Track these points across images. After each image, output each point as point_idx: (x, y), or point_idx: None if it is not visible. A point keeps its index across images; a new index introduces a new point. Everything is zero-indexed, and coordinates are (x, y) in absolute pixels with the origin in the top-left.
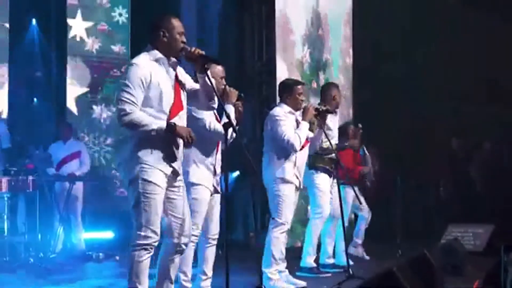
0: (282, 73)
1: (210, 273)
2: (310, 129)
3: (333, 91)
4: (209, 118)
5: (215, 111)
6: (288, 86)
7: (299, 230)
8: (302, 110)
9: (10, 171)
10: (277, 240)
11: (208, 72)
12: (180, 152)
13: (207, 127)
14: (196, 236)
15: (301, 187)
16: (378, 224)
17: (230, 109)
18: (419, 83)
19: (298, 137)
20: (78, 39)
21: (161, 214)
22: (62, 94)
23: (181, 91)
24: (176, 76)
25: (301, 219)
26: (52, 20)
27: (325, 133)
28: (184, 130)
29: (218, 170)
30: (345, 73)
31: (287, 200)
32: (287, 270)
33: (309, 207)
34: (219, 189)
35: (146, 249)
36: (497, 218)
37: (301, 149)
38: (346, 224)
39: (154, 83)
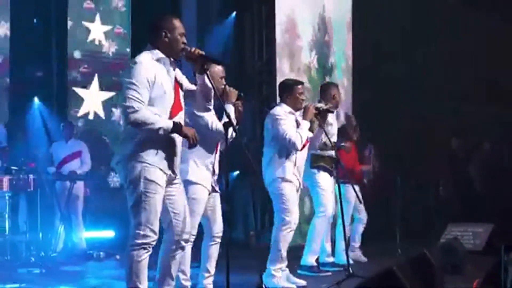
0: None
1: (213, 270)
2: (310, 129)
3: (332, 90)
4: (210, 117)
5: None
6: (288, 86)
7: (305, 228)
8: (302, 109)
9: (11, 170)
10: (285, 238)
11: (208, 72)
12: (179, 152)
13: (209, 126)
14: (193, 235)
15: (301, 187)
16: (378, 224)
17: (230, 108)
18: (419, 83)
19: (299, 136)
20: (97, 42)
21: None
22: (63, 94)
23: (180, 91)
24: (175, 76)
25: (306, 218)
26: (52, 20)
27: (325, 132)
28: (190, 131)
29: (217, 170)
30: (346, 73)
31: (291, 199)
32: (287, 269)
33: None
34: (217, 188)
35: (145, 248)
36: (496, 218)
37: (301, 149)
38: (347, 223)
39: (158, 82)
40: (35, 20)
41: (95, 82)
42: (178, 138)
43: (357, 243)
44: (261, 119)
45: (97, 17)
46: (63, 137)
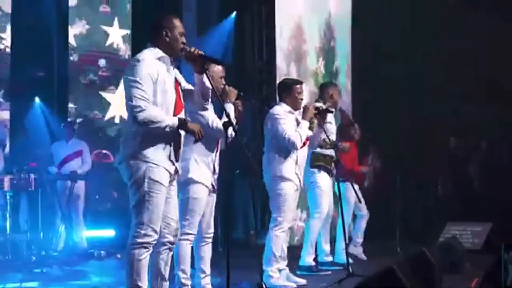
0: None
1: (208, 270)
2: (310, 128)
3: (330, 89)
4: (211, 116)
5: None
6: (287, 86)
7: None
8: (302, 109)
9: (12, 170)
10: (277, 239)
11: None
12: (181, 149)
13: (210, 124)
14: (193, 234)
15: (302, 186)
16: (377, 223)
17: (230, 108)
18: (419, 83)
19: (299, 135)
20: (115, 46)
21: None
22: (64, 94)
23: (180, 90)
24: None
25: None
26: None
27: (325, 131)
28: (195, 126)
29: (217, 169)
30: (346, 73)
31: (288, 199)
32: (287, 268)
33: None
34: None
35: (145, 247)
36: (496, 217)
37: (301, 148)
38: (347, 223)
39: (160, 81)
40: (35, 19)
41: (121, 86)
42: (180, 136)
43: (360, 239)
44: (261, 118)
45: (115, 22)
46: (64, 136)
